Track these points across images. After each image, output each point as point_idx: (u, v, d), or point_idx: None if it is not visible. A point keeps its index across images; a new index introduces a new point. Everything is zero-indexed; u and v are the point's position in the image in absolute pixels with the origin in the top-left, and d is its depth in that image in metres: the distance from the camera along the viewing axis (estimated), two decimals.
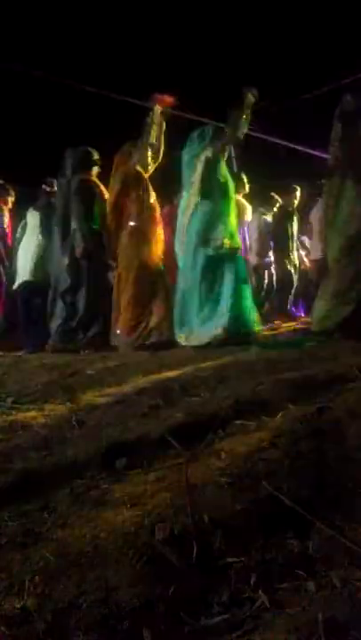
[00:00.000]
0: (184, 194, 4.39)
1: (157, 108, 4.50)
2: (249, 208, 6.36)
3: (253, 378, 2.44)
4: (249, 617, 0.86)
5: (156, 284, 4.54)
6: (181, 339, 4.11)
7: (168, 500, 1.25)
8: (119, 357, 3.79)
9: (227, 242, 4.04)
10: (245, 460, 1.46)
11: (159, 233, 4.70)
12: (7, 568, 1.04)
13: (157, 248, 4.66)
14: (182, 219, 4.28)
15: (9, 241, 5.44)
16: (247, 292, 4.16)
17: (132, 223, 4.55)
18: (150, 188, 4.66)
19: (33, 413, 2.25)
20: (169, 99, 4.51)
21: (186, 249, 4.21)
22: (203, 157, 4.18)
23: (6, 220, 5.30)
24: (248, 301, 4.14)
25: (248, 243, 6.67)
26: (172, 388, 2.44)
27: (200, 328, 4.01)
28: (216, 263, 4.06)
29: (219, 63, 10.09)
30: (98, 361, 3.60)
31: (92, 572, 1.00)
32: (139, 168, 4.63)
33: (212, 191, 4.16)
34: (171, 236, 4.68)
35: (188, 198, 4.25)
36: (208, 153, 4.19)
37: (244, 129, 4.13)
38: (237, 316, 3.99)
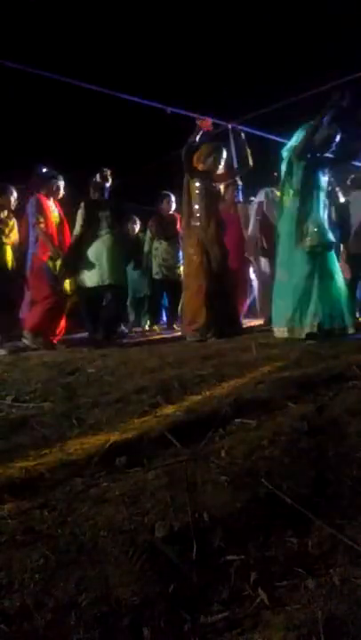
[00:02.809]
0: (283, 188, 4.43)
1: (200, 130, 4.73)
2: None
3: (253, 376, 2.45)
4: (249, 615, 0.86)
5: (221, 280, 4.75)
6: (281, 332, 4.18)
7: (168, 499, 1.25)
8: (119, 356, 3.78)
9: (317, 237, 4.12)
10: (245, 458, 1.46)
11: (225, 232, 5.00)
12: (7, 566, 1.04)
13: (226, 245, 4.91)
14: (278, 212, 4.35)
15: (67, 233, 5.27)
16: (338, 288, 4.20)
17: (196, 224, 4.77)
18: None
19: (33, 411, 2.25)
20: (206, 123, 4.78)
21: (282, 245, 4.28)
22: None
23: (54, 211, 5.11)
24: (340, 296, 4.18)
25: None
26: (173, 387, 2.44)
27: (297, 324, 4.11)
28: (309, 259, 4.13)
29: (218, 62, 10.08)
30: (98, 359, 3.60)
31: (91, 569, 1.00)
32: (209, 169, 4.84)
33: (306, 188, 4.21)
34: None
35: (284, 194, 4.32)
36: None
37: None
38: (330, 313, 4.08)
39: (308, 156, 4.21)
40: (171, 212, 6.21)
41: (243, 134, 5.08)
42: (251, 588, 0.92)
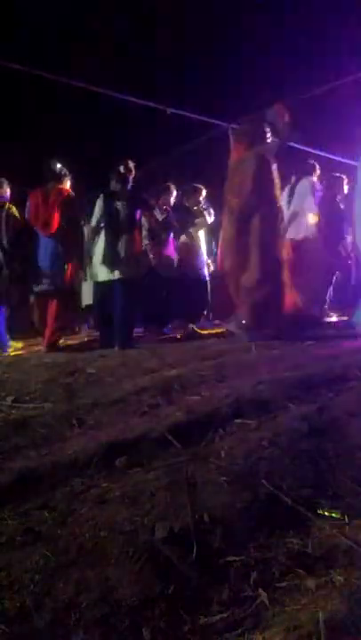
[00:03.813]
0: None
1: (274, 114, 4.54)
2: None
3: (253, 377, 2.44)
4: (249, 615, 0.86)
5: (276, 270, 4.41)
6: None
7: (168, 499, 1.25)
8: (119, 356, 3.78)
9: None
10: (245, 458, 1.46)
11: (282, 217, 4.71)
12: (7, 566, 1.04)
13: (281, 233, 4.64)
14: None
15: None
16: None
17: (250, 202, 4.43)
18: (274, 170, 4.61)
19: (33, 412, 2.25)
20: (287, 115, 4.53)
21: None
22: None
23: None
24: None
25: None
26: (173, 387, 2.44)
27: None
28: None
29: (218, 61, 10.10)
30: (98, 359, 3.60)
31: (91, 570, 1.00)
32: (262, 151, 4.56)
33: None
34: None
35: None
36: None
37: None
38: None
39: None
40: (165, 207, 6.10)
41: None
42: (251, 588, 0.92)
